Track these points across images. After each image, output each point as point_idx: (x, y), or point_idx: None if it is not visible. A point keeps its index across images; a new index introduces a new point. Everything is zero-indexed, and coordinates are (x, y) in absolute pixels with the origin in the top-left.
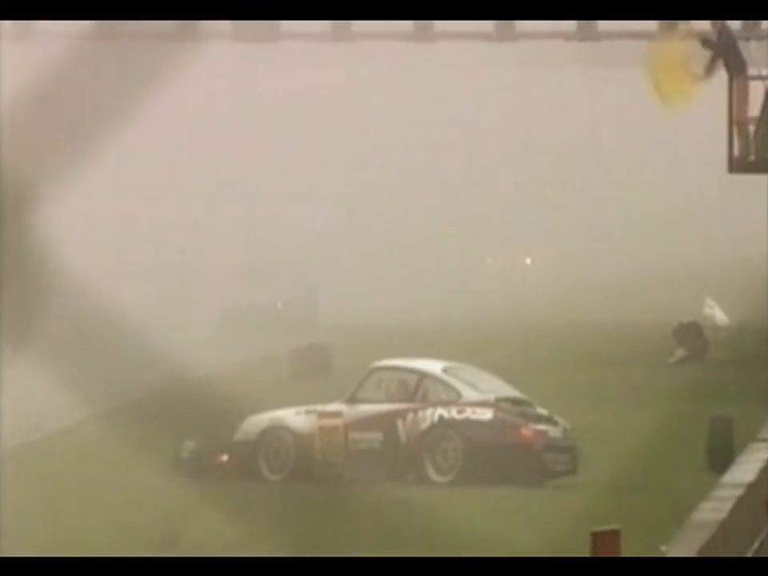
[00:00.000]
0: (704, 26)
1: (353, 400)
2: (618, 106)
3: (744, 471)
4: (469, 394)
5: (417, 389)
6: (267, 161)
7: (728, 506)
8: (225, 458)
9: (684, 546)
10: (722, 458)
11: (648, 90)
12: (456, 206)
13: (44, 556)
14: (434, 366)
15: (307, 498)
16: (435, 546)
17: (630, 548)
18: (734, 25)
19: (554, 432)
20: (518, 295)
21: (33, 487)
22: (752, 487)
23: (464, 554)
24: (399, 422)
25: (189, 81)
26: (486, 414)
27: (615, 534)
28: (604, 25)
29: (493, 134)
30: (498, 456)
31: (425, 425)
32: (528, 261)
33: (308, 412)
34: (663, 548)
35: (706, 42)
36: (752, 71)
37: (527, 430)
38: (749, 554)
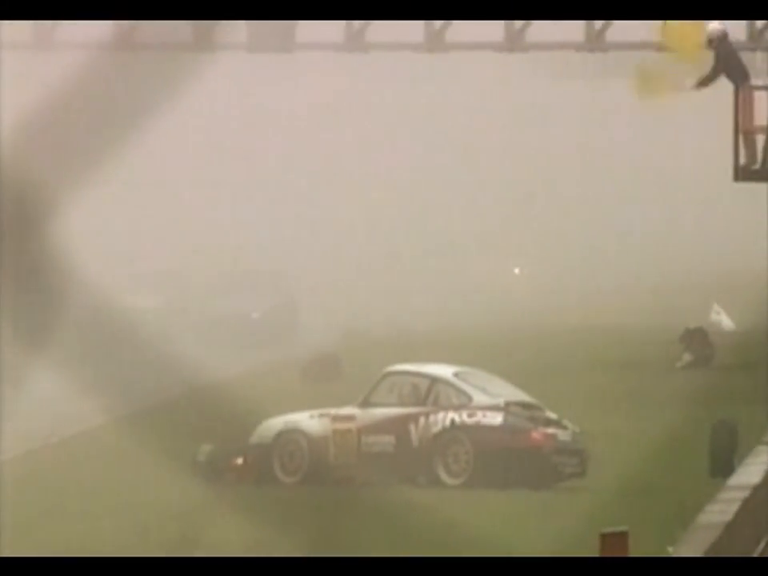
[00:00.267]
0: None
1: (366, 404)
2: (626, 116)
3: (750, 474)
4: (479, 398)
5: (428, 393)
6: (281, 170)
7: (734, 508)
8: (240, 461)
9: (690, 547)
10: (722, 462)
11: (633, 79)
12: (469, 213)
13: (58, 556)
14: (445, 371)
15: (321, 500)
16: (446, 547)
17: (638, 549)
18: (741, 36)
19: (563, 435)
20: (528, 301)
21: (51, 490)
22: (758, 489)
23: (474, 554)
24: (411, 426)
25: (204, 91)
26: (497, 418)
27: (623, 535)
28: (612, 36)
29: (503, 143)
30: (509, 459)
31: (436, 428)
32: (538, 267)
33: (322, 416)
34: (670, 549)
35: (711, 42)
36: (757, 82)
37: (537, 434)
38: (755, 556)
